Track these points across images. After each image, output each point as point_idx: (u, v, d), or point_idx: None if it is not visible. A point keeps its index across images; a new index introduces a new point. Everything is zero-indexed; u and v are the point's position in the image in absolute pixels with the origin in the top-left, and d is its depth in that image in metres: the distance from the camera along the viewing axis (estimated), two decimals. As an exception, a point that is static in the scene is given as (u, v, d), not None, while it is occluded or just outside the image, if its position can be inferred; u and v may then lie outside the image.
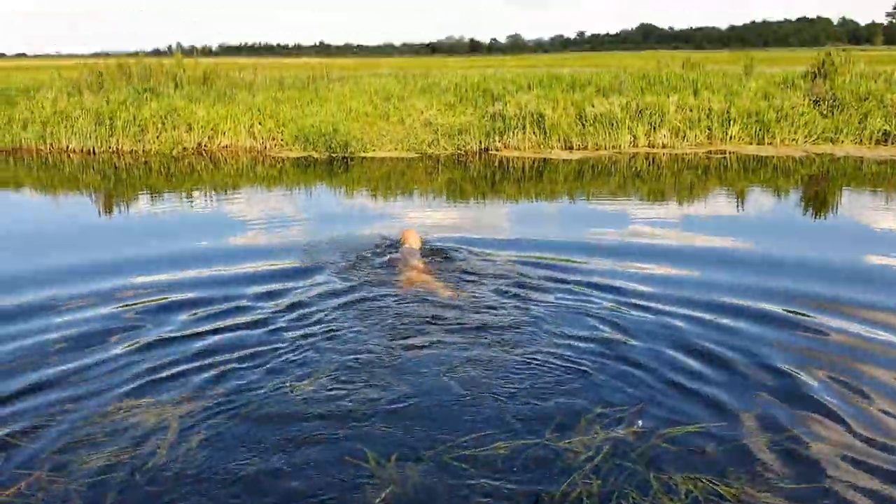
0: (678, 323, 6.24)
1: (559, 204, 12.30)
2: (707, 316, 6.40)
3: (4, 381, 5.25)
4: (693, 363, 5.46)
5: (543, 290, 7.08)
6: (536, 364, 5.40)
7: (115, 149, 17.87)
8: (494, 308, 6.62)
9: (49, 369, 5.43)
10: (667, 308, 6.58)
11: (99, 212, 12.03)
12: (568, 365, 5.39)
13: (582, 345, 5.75)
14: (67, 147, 17.95)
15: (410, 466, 4.12)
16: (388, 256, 8.16)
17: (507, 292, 7.04)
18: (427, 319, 6.37)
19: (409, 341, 5.86)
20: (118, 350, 5.77)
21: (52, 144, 18.04)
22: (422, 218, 10.80)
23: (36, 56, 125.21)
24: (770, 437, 4.46)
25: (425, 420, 4.64)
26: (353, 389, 5.03)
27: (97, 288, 7.33)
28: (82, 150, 17.84)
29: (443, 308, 6.62)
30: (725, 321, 6.29)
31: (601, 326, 6.15)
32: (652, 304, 6.66)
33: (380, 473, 4.05)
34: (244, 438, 4.44)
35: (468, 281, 7.42)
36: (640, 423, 4.54)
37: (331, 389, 5.03)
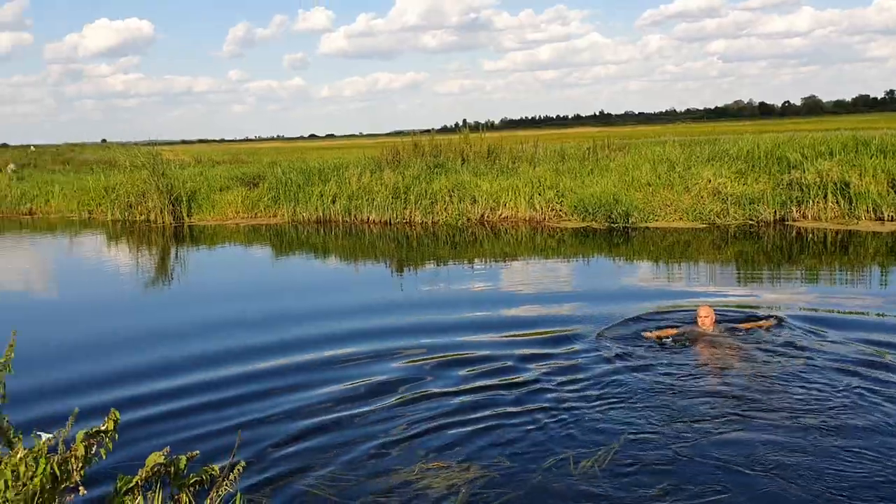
0: None
1: (869, 280, 10.91)
2: None
3: (299, 422, 5.83)
4: None
5: (860, 374, 6.24)
6: (857, 455, 4.68)
7: (408, 220, 19.20)
8: (801, 388, 5.99)
9: (329, 415, 5.96)
10: None
11: (391, 278, 12.87)
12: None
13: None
14: (368, 218, 19.63)
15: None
16: (682, 330, 7.88)
17: (814, 373, 6.35)
18: (723, 397, 5.97)
19: (704, 424, 5.43)
20: (406, 403, 6.07)
21: (355, 216, 19.85)
22: (710, 292, 10.14)
23: (343, 136, 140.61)
24: None
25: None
26: (635, 475, 4.71)
27: (388, 346, 8.01)
28: (380, 221, 19.39)
29: (741, 387, 6.15)
30: None
31: None
32: None
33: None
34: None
35: (769, 360, 6.84)
36: None
37: (614, 473, 4.75)
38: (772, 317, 8.22)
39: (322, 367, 7.43)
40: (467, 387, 6.62)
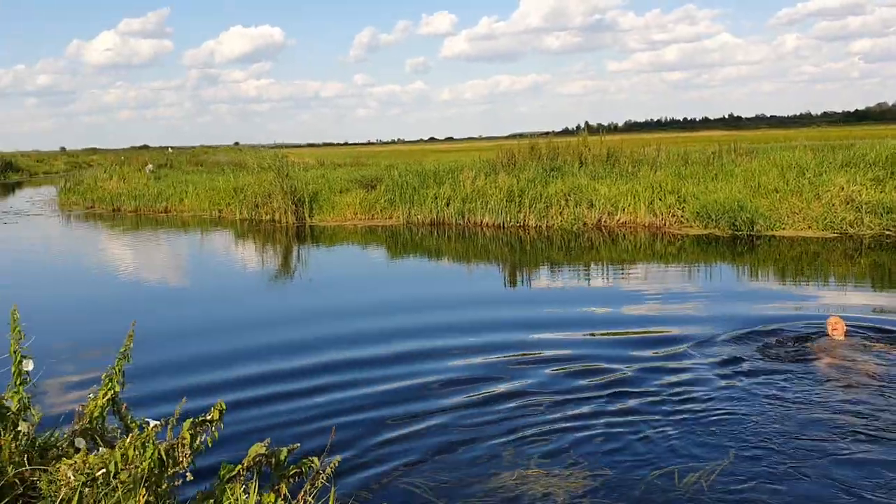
0: None
1: None
2: None
3: (392, 408, 5.93)
4: None
5: None
6: None
7: (521, 223, 19.10)
8: None
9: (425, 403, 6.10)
10: None
11: (505, 281, 12.82)
12: None
13: None
14: (481, 221, 19.66)
15: None
16: (812, 343, 7.54)
17: None
18: (849, 414, 5.66)
19: (825, 443, 5.14)
20: (501, 398, 6.00)
21: (468, 219, 19.93)
22: (841, 305, 9.53)
23: (461, 139, 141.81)
24: None
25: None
26: (741, 493, 4.48)
27: (496, 345, 8.03)
28: (493, 225, 19.38)
29: (869, 405, 5.81)
30: None
31: None
32: None
33: None
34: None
35: None
36: None
37: (720, 491, 4.54)
38: None
39: (426, 360, 7.61)
40: (575, 392, 6.53)
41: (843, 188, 16.47)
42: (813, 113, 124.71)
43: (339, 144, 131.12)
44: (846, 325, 7.60)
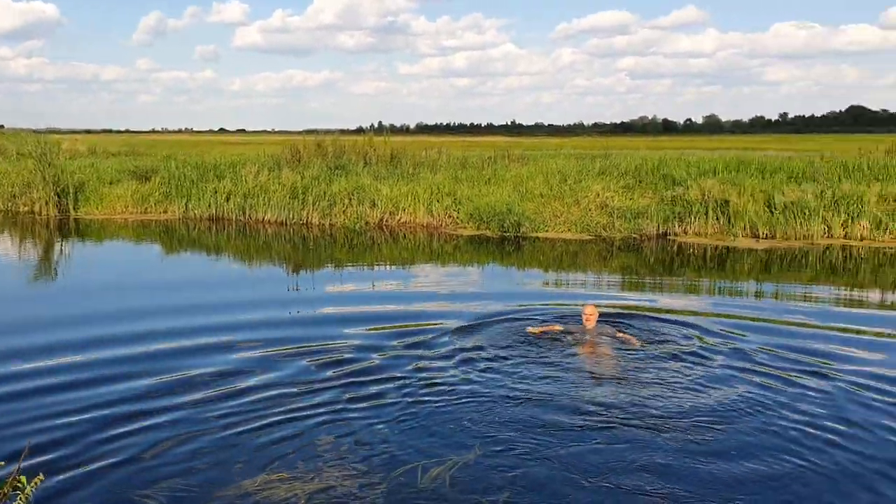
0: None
1: (745, 293, 11.48)
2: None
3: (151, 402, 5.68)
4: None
5: (730, 385, 6.62)
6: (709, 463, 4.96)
7: (305, 221, 19.06)
8: (671, 398, 6.42)
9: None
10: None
11: (283, 278, 12.76)
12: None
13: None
14: (263, 218, 19.39)
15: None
16: (567, 328, 8.40)
17: (686, 381, 6.82)
18: (593, 404, 6.24)
19: (565, 432, 5.65)
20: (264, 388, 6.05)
21: (249, 215, 19.57)
22: (594, 295, 10.53)
23: (253, 132, 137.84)
24: None
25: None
26: (482, 485, 4.84)
27: (246, 338, 7.82)
28: (275, 222, 19.18)
29: (612, 395, 6.46)
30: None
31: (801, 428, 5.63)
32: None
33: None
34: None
35: (644, 367, 7.25)
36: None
37: (462, 485, 4.85)
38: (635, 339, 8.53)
39: (151, 359, 7.51)
40: (323, 384, 6.73)
41: (598, 194, 18.07)
42: (585, 123, 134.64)
43: (120, 132, 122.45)
44: (598, 313, 8.47)
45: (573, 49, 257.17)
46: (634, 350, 7.77)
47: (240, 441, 5.55)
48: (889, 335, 8.88)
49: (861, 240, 16.17)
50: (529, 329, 8.42)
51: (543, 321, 8.83)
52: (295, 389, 6.61)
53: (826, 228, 16.38)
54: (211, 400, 6.37)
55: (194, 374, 7.06)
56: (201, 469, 5.10)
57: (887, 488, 4.90)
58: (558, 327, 8.50)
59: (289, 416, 6.02)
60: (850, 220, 16.40)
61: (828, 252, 15.11)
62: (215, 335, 8.46)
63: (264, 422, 5.88)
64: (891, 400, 6.43)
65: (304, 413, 6.07)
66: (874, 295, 11.55)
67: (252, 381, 6.85)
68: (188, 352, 7.85)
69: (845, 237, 16.32)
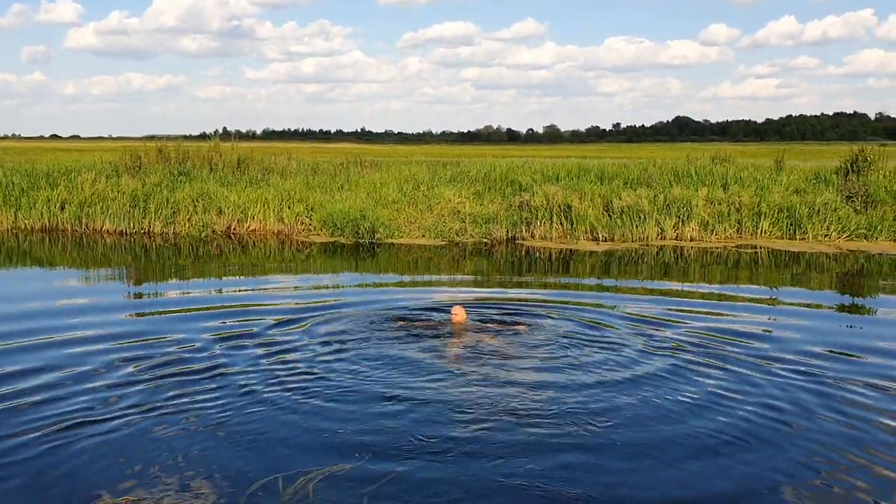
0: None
1: (586, 291, 12.04)
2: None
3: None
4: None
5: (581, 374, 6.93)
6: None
7: (146, 230, 18.19)
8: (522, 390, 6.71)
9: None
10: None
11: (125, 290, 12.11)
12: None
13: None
14: (102, 228, 18.33)
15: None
16: (433, 322, 8.86)
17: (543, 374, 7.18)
18: (466, 393, 6.51)
19: (444, 426, 5.72)
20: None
21: (87, 225, 18.45)
22: (453, 296, 10.78)
23: (89, 138, 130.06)
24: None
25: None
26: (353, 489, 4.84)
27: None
28: (115, 231, 18.18)
29: (472, 390, 6.66)
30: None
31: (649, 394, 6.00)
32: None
33: None
34: None
35: (504, 362, 7.55)
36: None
37: (325, 498, 4.83)
38: (520, 323, 9.04)
39: None
40: (149, 385, 6.57)
41: (450, 200, 18.44)
42: (434, 131, 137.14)
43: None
44: (466, 311, 8.87)
45: (420, 58, 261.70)
46: (500, 346, 8.11)
47: (69, 458, 5.27)
48: (710, 312, 9.62)
49: (690, 240, 17.44)
50: (399, 322, 8.79)
51: (408, 317, 9.19)
52: (123, 391, 6.50)
53: (659, 230, 17.54)
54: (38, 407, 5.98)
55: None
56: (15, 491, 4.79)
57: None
58: (423, 323, 8.86)
59: (117, 427, 5.81)
60: (680, 223, 17.65)
61: (661, 252, 16.18)
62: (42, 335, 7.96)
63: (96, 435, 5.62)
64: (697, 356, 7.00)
65: (137, 420, 5.90)
66: (703, 288, 12.47)
67: (83, 383, 6.66)
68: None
69: (677, 238, 17.55)
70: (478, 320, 9.09)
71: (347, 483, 4.92)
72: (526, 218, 17.75)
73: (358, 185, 20.05)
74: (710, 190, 18.43)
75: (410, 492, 4.80)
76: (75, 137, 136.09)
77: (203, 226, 18.00)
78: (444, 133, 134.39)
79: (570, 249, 16.53)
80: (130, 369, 7.26)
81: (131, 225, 18.20)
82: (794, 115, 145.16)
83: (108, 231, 18.25)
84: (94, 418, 6.00)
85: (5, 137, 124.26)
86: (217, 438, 5.62)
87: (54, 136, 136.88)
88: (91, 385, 6.81)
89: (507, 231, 17.60)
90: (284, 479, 4.94)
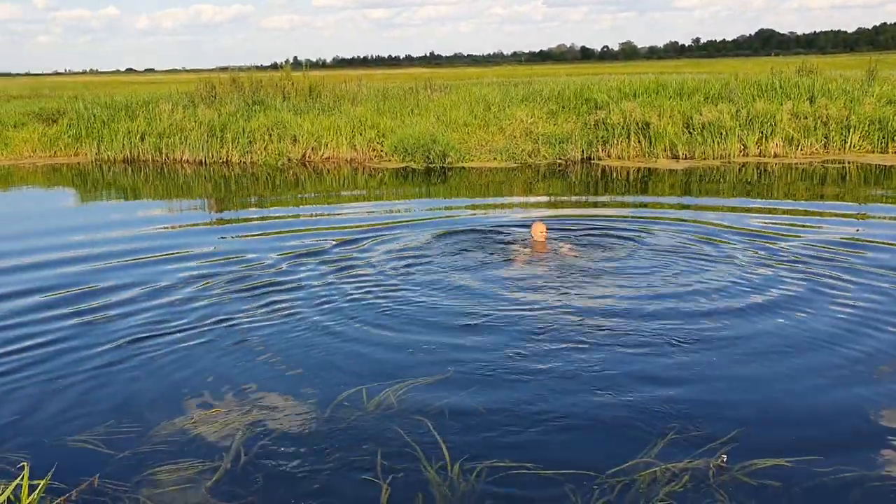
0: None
1: (666, 212, 11.76)
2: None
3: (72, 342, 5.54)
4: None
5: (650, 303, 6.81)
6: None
7: (224, 160, 18.53)
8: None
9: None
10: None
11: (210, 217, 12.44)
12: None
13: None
14: (181, 157, 18.76)
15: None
16: (517, 244, 8.88)
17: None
18: (556, 309, 6.52)
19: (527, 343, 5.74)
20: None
21: (167, 155, 18.90)
22: (533, 216, 10.71)
23: (164, 71, 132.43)
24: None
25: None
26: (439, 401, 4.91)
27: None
28: (194, 161, 18.59)
29: (566, 298, 6.76)
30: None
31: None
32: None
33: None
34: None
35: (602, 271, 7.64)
36: (724, 457, 4.16)
37: (409, 409, 4.88)
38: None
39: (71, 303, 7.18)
40: (245, 304, 6.68)
41: (523, 121, 18.11)
42: (504, 52, 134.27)
43: (18, 75, 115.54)
44: (547, 228, 8.85)
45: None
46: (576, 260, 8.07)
47: (163, 373, 5.52)
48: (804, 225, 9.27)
49: (774, 156, 16.76)
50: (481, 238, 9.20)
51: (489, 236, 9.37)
52: (215, 315, 6.68)
53: (742, 147, 16.90)
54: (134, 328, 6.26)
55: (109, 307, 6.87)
56: (132, 407, 5.01)
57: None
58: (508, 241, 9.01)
59: (207, 341, 6.07)
60: (763, 138, 16.94)
61: (743, 169, 15.61)
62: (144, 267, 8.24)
63: (184, 350, 5.89)
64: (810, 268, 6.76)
65: (224, 333, 6.16)
66: (787, 205, 12.01)
67: (175, 300, 6.90)
68: (106, 268, 7.62)
69: (760, 154, 16.89)
70: (557, 238, 9.03)
71: (430, 394, 5.00)
72: (602, 137, 17.33)
73: (428, 108, 19.85)
74: (796, 103, 17.56)
75: (493, 411, 4.78)
76: (150, 70, 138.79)
77: (279, 154, 18.21)
78: (514, 54, 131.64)
79: (649, 168, 16.12)
80: (221, 286, 7.55)
81: (210, 154, 18.55)
82: (889, 22, 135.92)
83: (187, 161, 18.67)
84: (183, 329, 6.30)
85: (83, 72, 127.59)
86: (300, 352, 5.80)
87: (130, 70, 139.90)
88: (177, 297, 7.19)
89: (583, 151, 17.24)
90: (368, 391, 5.06)
